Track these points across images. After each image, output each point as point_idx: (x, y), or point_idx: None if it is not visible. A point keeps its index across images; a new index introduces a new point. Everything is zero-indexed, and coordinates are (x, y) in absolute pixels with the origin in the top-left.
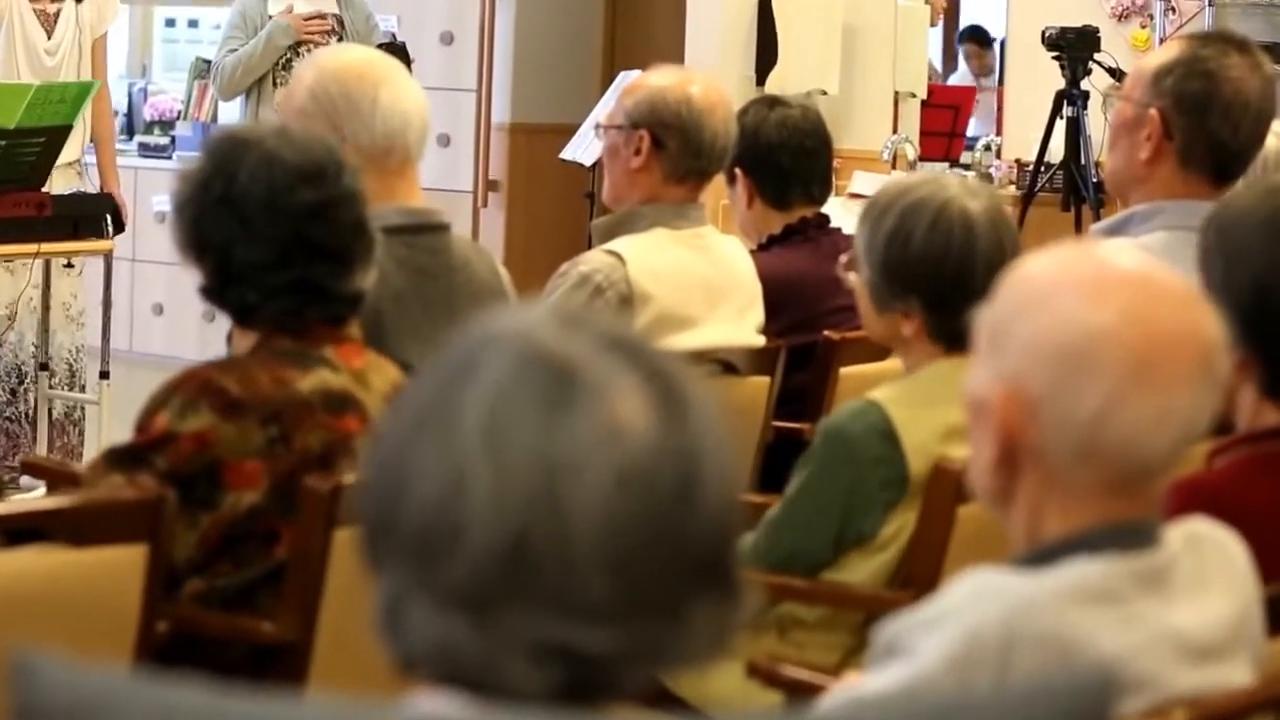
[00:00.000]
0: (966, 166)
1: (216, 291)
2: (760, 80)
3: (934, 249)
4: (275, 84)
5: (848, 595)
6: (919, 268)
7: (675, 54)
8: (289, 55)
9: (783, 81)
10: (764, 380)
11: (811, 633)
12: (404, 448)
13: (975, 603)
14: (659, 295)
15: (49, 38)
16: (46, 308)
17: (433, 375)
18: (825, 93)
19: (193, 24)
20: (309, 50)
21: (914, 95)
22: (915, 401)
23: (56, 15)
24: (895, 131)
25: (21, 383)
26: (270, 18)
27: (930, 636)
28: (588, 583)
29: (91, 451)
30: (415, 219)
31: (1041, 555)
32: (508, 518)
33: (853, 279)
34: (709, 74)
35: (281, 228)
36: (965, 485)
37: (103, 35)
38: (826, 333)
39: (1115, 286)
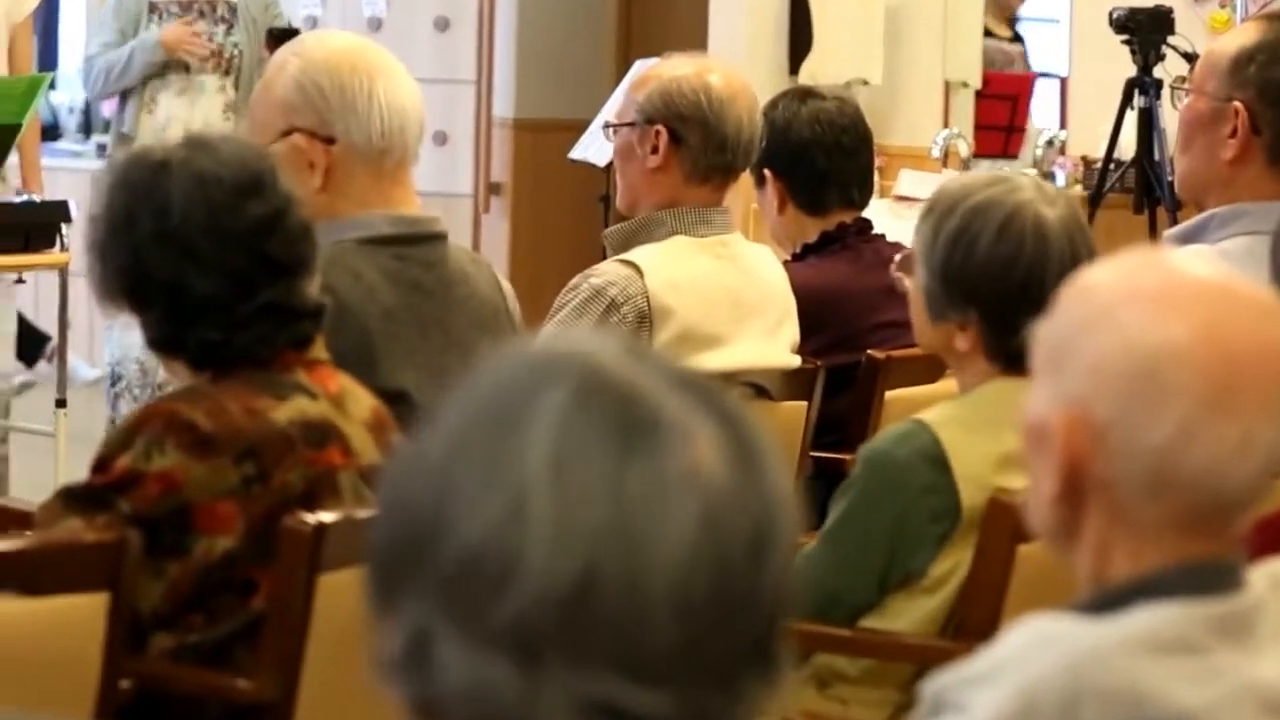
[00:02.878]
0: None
1: (171, 339)
2: (794, 70)
3: (1000, 257)
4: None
5: (894, 645)
6: (982, 276)
7: (698, 40)
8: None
9: (818, 71)
10: (800, 405)
11: (855, 687)
12: (442, 475)
13: (1034, 654)
14: (680, 310)
15: None
16: None
17: (477, 399)
18: (866, 83)
19: None
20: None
21: (967, 85)
22: (969, 425)
23: None
24: (946, 126)
25: None
26: (150, 3)
27: (984, 692)
28: (651, 636)
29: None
30: (408, 228)
31: (1108, 600)
32: (573, 555)
33: (907, 284)
34: (734, 63)
35: (234, 252)
36: (1024, 521)
37: (26, 19)
38: (870, 352)
39: (1189, 299)
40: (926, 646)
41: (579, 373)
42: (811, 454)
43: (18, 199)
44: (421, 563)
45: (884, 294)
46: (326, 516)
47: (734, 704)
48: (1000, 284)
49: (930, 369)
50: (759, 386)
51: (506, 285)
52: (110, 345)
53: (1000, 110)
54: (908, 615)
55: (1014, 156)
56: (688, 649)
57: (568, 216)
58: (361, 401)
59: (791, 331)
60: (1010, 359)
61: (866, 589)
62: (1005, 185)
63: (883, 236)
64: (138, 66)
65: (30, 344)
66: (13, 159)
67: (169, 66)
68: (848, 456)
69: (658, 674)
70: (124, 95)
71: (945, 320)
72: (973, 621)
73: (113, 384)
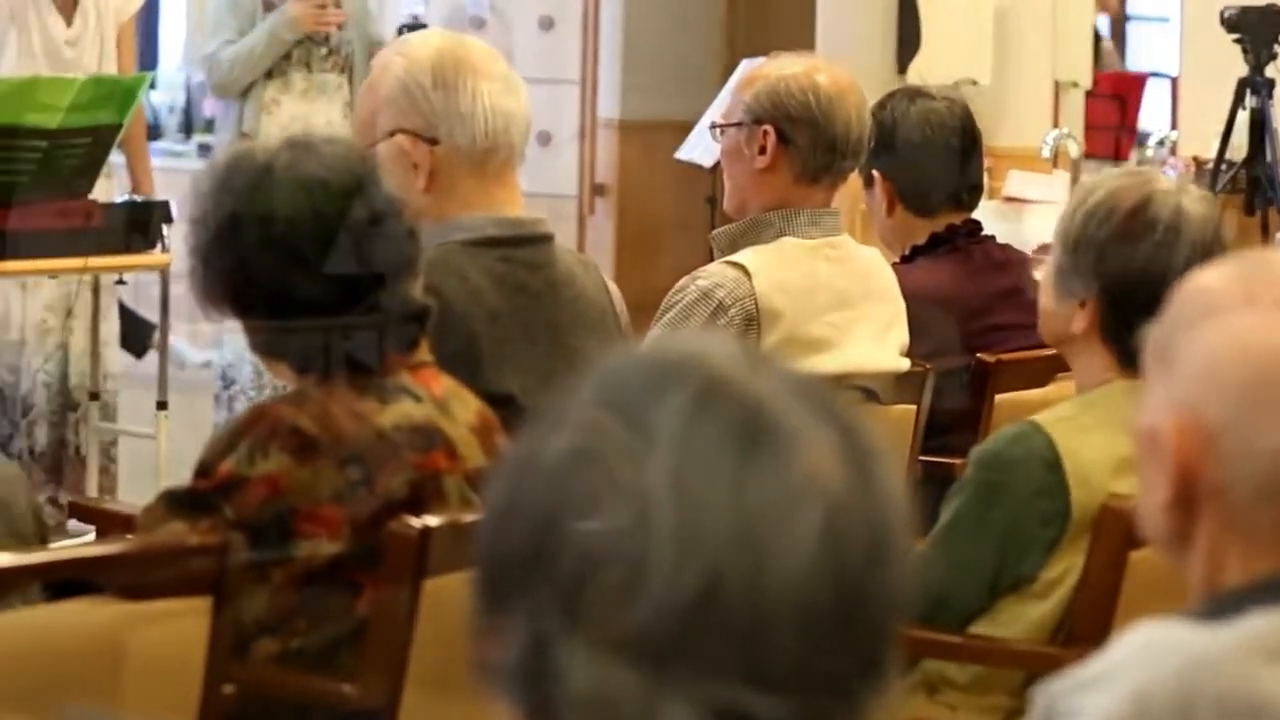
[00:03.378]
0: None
1: (275, 344)
2: (902, 69)
3: (1130, 233)
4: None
5: (1004, 652)
6: (1109, 247)
7: (805, 39)
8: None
9: (927, 70)
10: (909, 409)
11: (964, 694)
12: (560, 481)
13: (1147, 659)
14: (789, 313)
15: (68, 26)
16: (96, 329)
17: (594, 404)
18: (975, 83)
19: None
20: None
21: (1077, 85)
22: (1085, 426)
23: (75, 2)
24: (1056, 126)
25: (63, 413)
26: (264, 2)
27: (1096, 698)
28: (773, 643)
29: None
30: (513, 230)
31: (1221, 605)
32: (697, 563)
33: (1038, 273)
34: (842, 63)
35: (341, 255)
36: (1137, 527)
37: (129, 19)
38: (981, 355)
39: None
40: (1037, 653)
41: (699, 379)
42: (920, 458)
43: (120, 199)
44: (538, 570)
45: (994, 297)
46: (431, 521)
47: (850, 710)
48: (1126, 259)
49: (1041, 372)
50: (868, 390)
51: (613, 287)
52: (223, 348)
53: (1110, 110)
54: (1018, 620)
55: (1124, 158)
56: (809, 655)
57: (673, 218)
58: (467, 405)
59: (901, 334)
60: (1127, 356)
61: (977, 593)
62: (1152, 175)
63: (992, 238)
64: (275, 46)
65: (135, 334)
66: (119, 159)
67: (290, 65)
68: (957, 460)
69: (780, 680)
70: (243, 95)
71: (1068, 298)
72: (1084, 627)
73: (225, 386)
